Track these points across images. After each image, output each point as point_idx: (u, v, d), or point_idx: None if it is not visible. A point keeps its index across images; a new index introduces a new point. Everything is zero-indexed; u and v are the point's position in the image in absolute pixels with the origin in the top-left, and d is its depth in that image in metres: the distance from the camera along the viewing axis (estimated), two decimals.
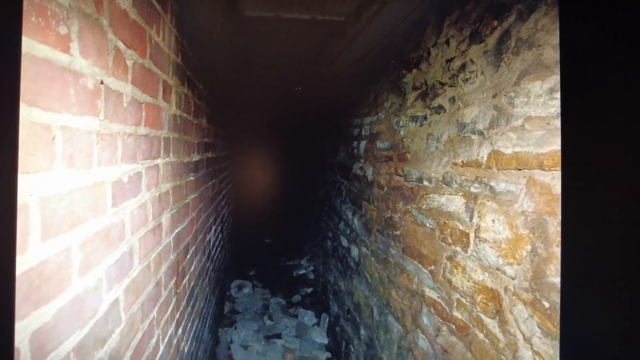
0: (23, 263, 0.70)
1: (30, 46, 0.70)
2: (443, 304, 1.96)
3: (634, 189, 0.59)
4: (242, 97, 6.21)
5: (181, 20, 1.88)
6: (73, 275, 0.89)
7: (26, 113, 0.69)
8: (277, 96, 6.55)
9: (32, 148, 0.71)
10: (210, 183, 3.23)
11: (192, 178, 2.35)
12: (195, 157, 2.47)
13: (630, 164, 0.60)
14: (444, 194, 2.00)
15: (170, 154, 1.79)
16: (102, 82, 1.00)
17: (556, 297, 1.21)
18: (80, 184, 0.90)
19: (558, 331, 1.18)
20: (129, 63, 1.21)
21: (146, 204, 1.45)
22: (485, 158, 1.66)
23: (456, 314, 1.83)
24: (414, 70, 2.46)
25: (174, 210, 1.90)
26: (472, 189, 1.74)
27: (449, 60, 2.01)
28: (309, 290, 5.64)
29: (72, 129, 0.86)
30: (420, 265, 2.24)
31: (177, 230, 1.96)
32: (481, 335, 1.63)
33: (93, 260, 0.99)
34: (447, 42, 2.03)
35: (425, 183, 2.21)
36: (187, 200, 2.21)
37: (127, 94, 1.20)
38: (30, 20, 0.70)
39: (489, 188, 1.62)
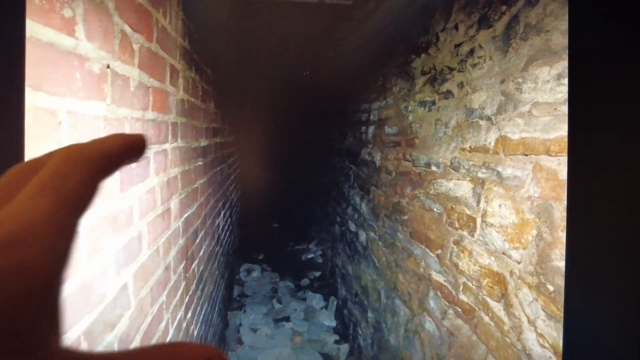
0: None
1: (34, 29, 0.69)
2: (449, 287, 1.96)
3: (639, 174, 0.58)
4: (250, 81, 6.19)
5: (188, 4, 1.87)
6: (82, 260, 0.89)
7: (31, 98, 0.69)
8: (285, 81, 6.51)
9: (38, 133, 0.71)
10: (218, 168, 3.23)
11: (200, 163, 2.35)
12: (204, 142, 2.47)
13: (637, 150, 0.59)
14: (451, 179, 1.99)
15: (179, 139, 1.79)
16: (108, 66, 1.00)
17: (560, 281, 1.21)
18: None
19: (562, 314, 1.18)
20: (136, 47, 1.20)
21: (154, 189, 1.45)
22: (492, 143, 1.64)
23: (462, 297, 1.84)
24: (423, 55, 2.43)
25: (183, 195, 1.90)
26: (480, 174, 1.73)
27: (458, 45, 1.99)
28: (317, 274, 5.67)
29: (79, 114, 0.85)
30: (427, 250, 2.24)
31: (185, 215, 1.97)
32: (487, 318, 1.63)
33: (101, 245, 1.00)
34: (456, 27, 2.01)
35: (433, 168, 2.19)
36: (195, 185, 2.21)
37: (134, 78, 1.20)
38: (33, 2, 0.69)
39: (496, 173, 1.61)
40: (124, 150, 0.27)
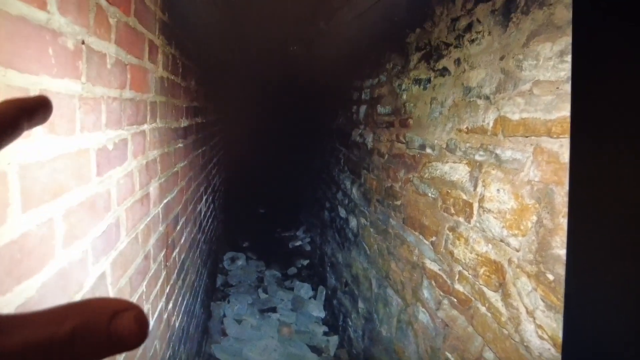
0: (3, 235, 0.70)
1: (3, 2, 0.68)
2: (444, 276, 1.99)
3: None
4: (234, 57, 6.13)
5: None
6: (57, 248, 0.89)
7: (1, 75, 0.68)
8: (274, 57, 6.46)
9: None
10: (200, 150, 3.22)
11: (181, 145, 2.34)
12: (184, 123, 2.46)
13: None
14: (447, 162, 2.00)
15: (158, 119, 1.78)
16: (83, 42, 0.99)
17: (561, 270, 1.23)
18: (62, 152, 0.90)
19: (562, 304, 1.20)
20: (112, 21, 1.19)
21: (133, 172, 1.45)
22: (491, 124, 1.65)
23: (458, 287, 1.86)
24: (418, 30, 2.43)
25: (162, 179, 1.90)
26: (477, 157, 1.74)
27: (455, 20, 1.98)
28: (306, 262, 5.70)
29: (52, 93, 0.85)
30: (421, 237, 2.26)
31: (166, 201, 1.97)
32: (483, 309, 1.66)
33: (78, 232, 1.00)
34: (453, 0, 2.00)
35: (428, 150, 2.21)
36: (175, 169, 2.21)
37: (111, 55, 1.19)
38: None
39: (494, 156, 1.62)
40: (19, 115, 0.29)
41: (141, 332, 0.24)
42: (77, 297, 1.00)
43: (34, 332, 0.23)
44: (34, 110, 0.30)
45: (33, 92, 0.77)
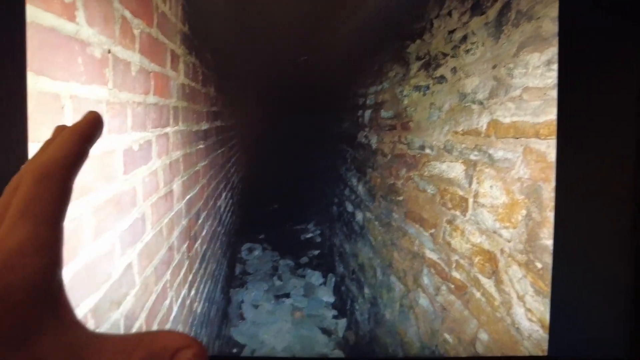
0: None
1: (35, 14, 0.68)
2: (443, 264, 1.97)
3: (623, 156, 0.58)
4: (250, 67, 6.13)
5: None
6: (86, 242, 0.89)
7: (34, 82, 0.68)
8: (284, 66, 6.46)
9: (42, 117, 0.70)
10: (219, 151, 3.22)
11: (201, 146, 2.34)
12: (205, 126, 2.46)
13: (621, 133, 0.59)
14: (444, 161, 1.98)
15: (180, 123, 1.78)
16: (109, 51, 0.99)
17: (548, 259, 1.22)
18: (91, 152, 0.90)
19: (549, 290, 1.19)
20: (136, 32, 1.19)
21: (157, 171, 1.45)
22: (484, 127, 1.64)
23: (455, 274, 1.85)
24: (417, 41, 2.41)
25: (185, 177, 1.90)
26: (472, 157, 1.73)
27: (451, 32, 1.97)
28: (316, 252, 5.70)
29: (81, 98, 0.85)
30: (421, 229, 2.24)
31: (188, 197, 1.97)
32: (478, 294, 1.64)
33: (106, 226, 1.00)
34: (450, 14, 1.98)
35: (427, 151, 2.19)
36: (197, 168, 2.21)
37: (135, 63, 1.19)
38: None
39: (487, 155, 1.61)
40: (83, 145, 0.29)
41: None
42: (106, 286, 1.00)
43: (107, 357, 0.24)
44: (92, 132, 0.31)
45: (63, 97, 0.77)
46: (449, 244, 1.92)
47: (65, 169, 0.28)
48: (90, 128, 0.30)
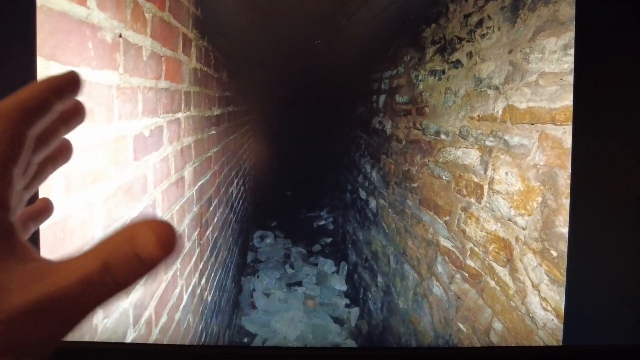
0: None
1: None
2: (457, 252, 1.97)
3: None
4: (263, 51, 6.12)
5: None
6: (96, 229, 0.91)
7: (44, 67, 0.69)
8: (298, 51, 6.43)
9: None
10: (232, 137, 3.24)
11: (213, 132, 2.35)
12: (217, 111, 2.47)
13: (638, 119, 0.58)
14: (460, 147, 1.97)
15: (192, 108, 1.79)
16: (120, 36, 1.00)
17: (564, 247, 1.21)
18: (101, 138, 0.91)
19: (564, 278, 1.19)
20: (148, 16, 1.19)
21: (168, 157, 1.46)
22: (500, 112, 1.62)
23: (469, 262, 1.85)
24: (433, 25, 2.38)
25: (197, 164, 1.92)
26: (487, 143, 1.72)
27: (467, 16, 1.94)
28: (329, 240, 5.72)
29: (92, 83, 0.86)
30: (435, 216, 2.24)
31: (199, 183, 1.99)
32: (492, 283, 1.64)
33: (116, 213, 1.02)
34: None
35: (443, 137, 2.18)
36: (209, 154, 2.22)
37: (147, 48, 1.20)
38: None
39: (503, 142, 1.60)
40: (46, 94, 0.29)
41: (161, 239, 0.25)
42: None
43: (73, 273, 0.25)
44: (61, 86, 0.30)
45: None
46: (463, 231, 1.91)
47: (20, 112, 0.27)
48: (59, 82, 0.30)
